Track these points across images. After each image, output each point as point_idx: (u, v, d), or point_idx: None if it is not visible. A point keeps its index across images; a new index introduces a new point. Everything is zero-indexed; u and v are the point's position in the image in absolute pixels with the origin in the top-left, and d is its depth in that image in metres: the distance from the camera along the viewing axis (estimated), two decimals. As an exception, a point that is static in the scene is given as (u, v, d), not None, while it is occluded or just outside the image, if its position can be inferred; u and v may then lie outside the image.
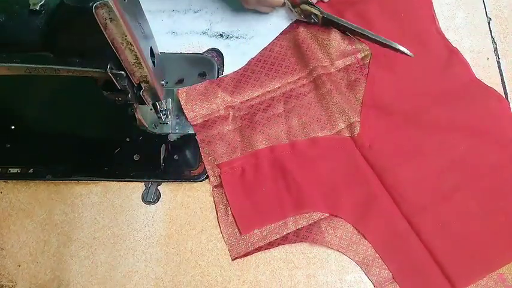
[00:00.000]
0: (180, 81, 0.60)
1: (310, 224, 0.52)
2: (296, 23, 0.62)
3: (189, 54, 0.62)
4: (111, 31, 0.36)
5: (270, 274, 0.51)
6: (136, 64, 0.41)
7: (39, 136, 0.58)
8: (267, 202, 0.53)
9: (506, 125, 0.58)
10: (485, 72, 0.62)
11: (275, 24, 0.65)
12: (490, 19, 0.66)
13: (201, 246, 0.52)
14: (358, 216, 0.53)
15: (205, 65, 0.61)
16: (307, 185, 0.54)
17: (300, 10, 0.60)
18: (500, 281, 0.50)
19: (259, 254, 0.52)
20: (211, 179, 0.55)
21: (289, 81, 0.59)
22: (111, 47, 0.38)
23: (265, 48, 0.62)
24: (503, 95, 0.61)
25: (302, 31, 0.61)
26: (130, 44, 0.38)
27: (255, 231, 0.52)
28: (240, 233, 0.52)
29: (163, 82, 0.50)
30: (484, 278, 0.50)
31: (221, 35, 0.64)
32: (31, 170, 0.55)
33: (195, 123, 0.57)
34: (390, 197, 0.54)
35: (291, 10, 0.61)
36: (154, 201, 0.54)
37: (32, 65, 0.41)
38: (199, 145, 0.56)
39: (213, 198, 0.54)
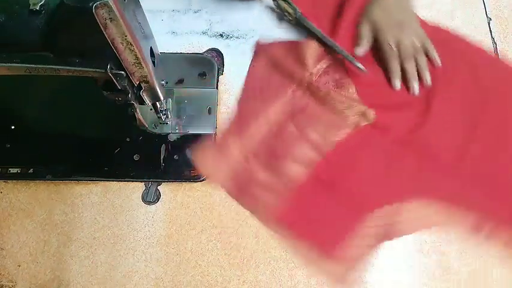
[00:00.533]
0: (180, 81, 0.60)
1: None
2: (260, 44, 0.62)
3: (189, 54, 0.62)
4: (111, 31, 0.36)
5: (270, 274, 0.51)
6: (136, 64, 0.41)
7: (39, 136, 0.58)
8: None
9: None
10: (485, 72, 0.62)
11: (275, 24, 0.65)
12: (490, 19, 0.66)
13: (201, 246, 0.52)
14: (418, 188, 0.53)
15: (205, 65, 0.61)
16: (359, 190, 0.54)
17: (277, 4, 0.61)
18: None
19: (259, 254, 0.52)
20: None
21: (286, 99, 0.59)
22: (111, 47, 0.38)
23: (246, 79, 0.60)
24: (503, 95, 0.61)
25: (273, 51, 0.61)
26: (131, 44, 0.38)
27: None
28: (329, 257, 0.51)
29: (163, 82, 0.50)
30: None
31: (221, 35, 0.64)
32: (31, 170, 0.55)
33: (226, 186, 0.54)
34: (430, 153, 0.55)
35: (272, 1, 0.62)
36: (154, 201, 0.54)
37: (32, 65, 0.41)
38: (238, 202, 0.54)
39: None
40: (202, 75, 0.60)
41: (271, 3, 0.63)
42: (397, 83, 0.58)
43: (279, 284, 0.51)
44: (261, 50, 0.62)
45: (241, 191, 0.54)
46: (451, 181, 0.54)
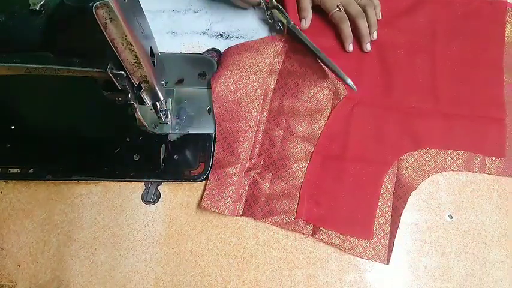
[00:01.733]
0: (180, 81, 0.60)
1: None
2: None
3: (189, 54, 0.62)
4: (111, 31, 0.36)
5: (270, 274, 0.51)
6: (136, 64, 0.41)
7: (39, 136, 0.58)
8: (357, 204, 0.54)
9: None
10: (485, 72, 0.62)
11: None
12: (490, 19, 0.66)
13: (201, 246, 0.53)
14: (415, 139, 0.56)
15: (205, 65, 0.61)
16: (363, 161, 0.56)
17: (270, 14, 0.60)
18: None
19: (259, 254, 0.52)
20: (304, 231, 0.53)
21: (259, 106, 0.58)
22: (111, 47, 0.38)
23: (215, 102, 0.58)
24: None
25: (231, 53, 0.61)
26: (131, 44, 0.38)
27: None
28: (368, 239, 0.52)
29: (163, 82, 0.50)
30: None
31: (221, 35, 0.64)
32: (31, 170, 0.55)
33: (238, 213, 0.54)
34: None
35: (265, 11, 0.61)
36: (154, 201, 0.54)
37: (32, 65, 0.41)
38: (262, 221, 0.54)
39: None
40: (202, 75, 0.60)
41: (265, 13, 0.62)
42: (350, 47, 0.60)
43: (279, 284, 0.51)
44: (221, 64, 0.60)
45: (258, 210, 0.53)
46: (436, 123, 0.57)
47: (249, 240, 0.53)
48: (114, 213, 0.54)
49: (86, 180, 0.55)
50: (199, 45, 0.63)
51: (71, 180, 0.55)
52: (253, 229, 0.53)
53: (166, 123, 0.57)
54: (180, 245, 0.53)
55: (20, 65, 0.40)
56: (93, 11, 0.34)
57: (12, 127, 0.57)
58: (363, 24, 0.59)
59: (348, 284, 0.51)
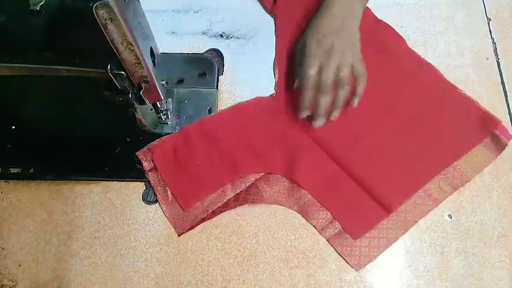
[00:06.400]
0: (180, 81, 0.60)
1: (248, 187, 0.54)
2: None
3: (189, 55, 0.62)
4: (111, 31, 0.37)
5: (270, 274, 0.52)
6: (136, 64, 0.41)
7: (39, 136, 0.58)
8: (203, 174, 0.55)
9: (413, 62, 0.62)
10: (484, 72, 0.62)
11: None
12: (490, 19, 0.66)
13: (201, 246, 0.53)
14: (289, 168, 0.55)
15: (205, 65, 0.61)
16: (238, 150, 0.56)
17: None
18: (427, 197, 0.55)
19: (259, 254, 0.52)
20: (144, 164, 0.55)
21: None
22: (111, 47, 0.38)
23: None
24: (503, 95, 0.61)
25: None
26: (131, 44, 0.38)
27: (197, 204, 0.54)
28: (183, 209, 0.53)
29: (163, 82, 0.50)
30: (412, 197, 0.54)
31: (221, 35, 0.64)
32: (32, 170, 0.55)
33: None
34: (315, 143, 0.57)
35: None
36: (154, 201, 0.55)
37: (32, 65, 0.41)
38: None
39: (150, 182, 0.55)
40: (202, 75, 0.60)
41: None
42: (302, 114, 0.54)
43: (279, 284, 0.51)
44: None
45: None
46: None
47: (249, 240, 0.53)
48: (115, 213, 0.54)
49: (87, 180, 0.55)
50: (199, 45, 0.63)
51: (72, 180, 0.55)
52: (253, 229, 0.53)
53: (167, 123, 0.57)
54: (180, 245, 0.53)
55: (20, 65, 0.41)
56: (94, 11, 0.34)
57: (13, 127, 0.58)
58: (323, 102, 0.52)
59: (348, 284, 0.51)
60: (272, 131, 0.57)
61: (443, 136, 0.57)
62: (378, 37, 0.62)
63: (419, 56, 0.62)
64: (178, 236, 0.53)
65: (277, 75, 0.60)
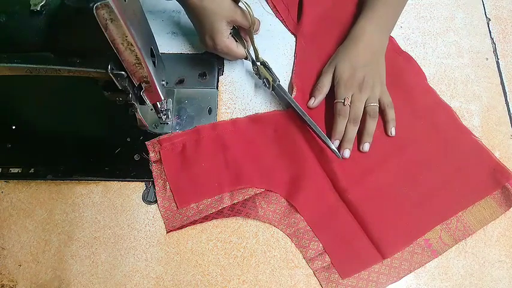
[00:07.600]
0: (181, 82, 0.60)
1: (245, 199, 0.54)
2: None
3: (189, 55, 0.62)
4: (111, 32, 0.37)
5: (270, 274, 0.52)
6: (136, 64, 0.41)
7: (40, 136, 0.58)
8: (205, 177, 0.55)
9: (429, 100, 0.60)
10: (484, 72, 0.63)
11: (275, 25, 0.65)
12: (489, 19, 0.67)
13: (201, 245, 0.53)
14: (291, 191, 0.54)
15: (205, 65, 0.61)
16: (245, 161, 0.56)
17: (256, 69, 0.59)
18: (427, 246, 0.52)
19: (259, 254, 0.52)
20: (151, 154, 0.55)
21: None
22: (111, 48, 0.38)
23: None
24: (503, 95, 0.61)
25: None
26: (131, 44, 0.38)
27: (192, 205, 0.54)
28: (177, 207, 0.53)
29: (163, 82, 0.50)
30: (411, 245, 0.52)
31: (221, 35, 0.64)
32: (32, 170, 0.55)
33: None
34: (322, 171, 0.56)
35: (252, 65, 0.59)
36: (154, 201, 0.55)
37: (32, 66, 0.41)
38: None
39: (152, 173, 0.55)
40: (202, 75, 0.60)
41: (252, 67, 0.60)
42: (335, 143, 0.55)
43: (279, 284, 0.51)
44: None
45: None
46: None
47: (249, 240, 0.53)
48: (115, 213, 0.54)
49: (87, 180, 0.55)
50: (200, 45, 0.63)
51: (72, 180, 0.55)
52: (253, 229, 0.53)
53: (167, 123, 0.57)
54: (180, 245, 0.53)
55: (20, 65, 0.41)
56: (94, 11, 0.34)
57: (13, 127, 0.58)
58: (350, 131, 0.55)
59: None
60: (282, 148, 0.57)
61: (452, 183, 0.55)
62: (398, 70, 0.61)
63: (437, 95, 0.60)
64: (167, 233, 0.53)
65: (295, 92, 0.59)
